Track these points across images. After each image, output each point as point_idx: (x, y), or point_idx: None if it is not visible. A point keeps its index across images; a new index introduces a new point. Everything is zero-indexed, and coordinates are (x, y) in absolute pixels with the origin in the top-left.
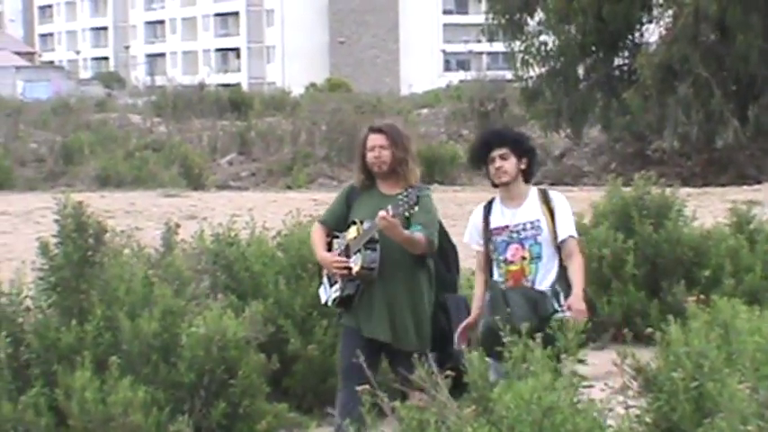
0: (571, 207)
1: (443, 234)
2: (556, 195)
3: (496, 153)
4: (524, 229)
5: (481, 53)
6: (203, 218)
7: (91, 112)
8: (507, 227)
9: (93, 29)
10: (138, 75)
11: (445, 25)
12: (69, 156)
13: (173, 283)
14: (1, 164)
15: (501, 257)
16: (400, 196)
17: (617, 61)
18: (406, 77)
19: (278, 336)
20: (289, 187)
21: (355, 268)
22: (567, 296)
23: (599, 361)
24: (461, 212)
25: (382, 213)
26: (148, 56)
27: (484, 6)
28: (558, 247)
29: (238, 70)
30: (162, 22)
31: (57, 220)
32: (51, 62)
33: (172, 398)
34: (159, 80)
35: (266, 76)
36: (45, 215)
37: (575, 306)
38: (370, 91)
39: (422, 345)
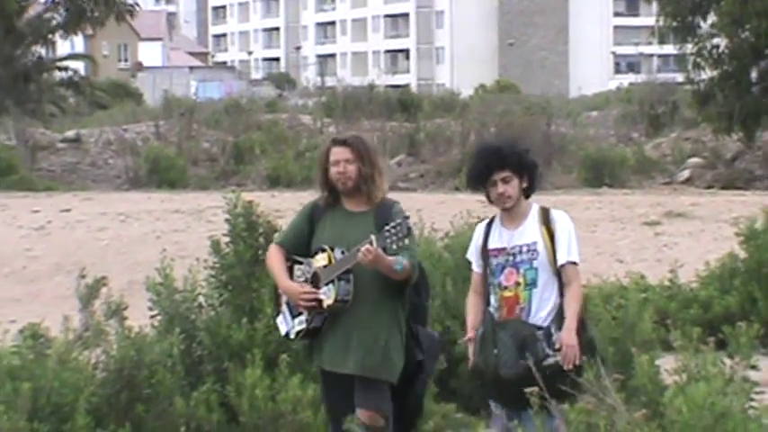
0: (575, 230)
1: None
2: (559, 215)
3: (498, 176)
4: (520, 252)
5: (652, 55)
6: None
7: (262, 112)
8: (504, 249)
9: (265, 30)
10: (309, 75)
11: (616, 27)
12: (240, 155)
13: None
14: (175, 163)
15: (496, 281)
16: (387, 227)
17: None
18: (575, 79)
19: (445, 336)
20: (457, 189)
21: (327, 301)
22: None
23: None
24: (631, 215)
25: (366, 248)
26: (319, 57)
27: (655, 8)
28: (559, 274)
29: (407, 71)
30: (333, 23)
31: (227, 220)
32: (224, 63)
33: None
34: (329, 81)
35: (435, 78)
36: (216, 214)
37: (566, 341)
38: (538, 93)
39: (390, 374)
